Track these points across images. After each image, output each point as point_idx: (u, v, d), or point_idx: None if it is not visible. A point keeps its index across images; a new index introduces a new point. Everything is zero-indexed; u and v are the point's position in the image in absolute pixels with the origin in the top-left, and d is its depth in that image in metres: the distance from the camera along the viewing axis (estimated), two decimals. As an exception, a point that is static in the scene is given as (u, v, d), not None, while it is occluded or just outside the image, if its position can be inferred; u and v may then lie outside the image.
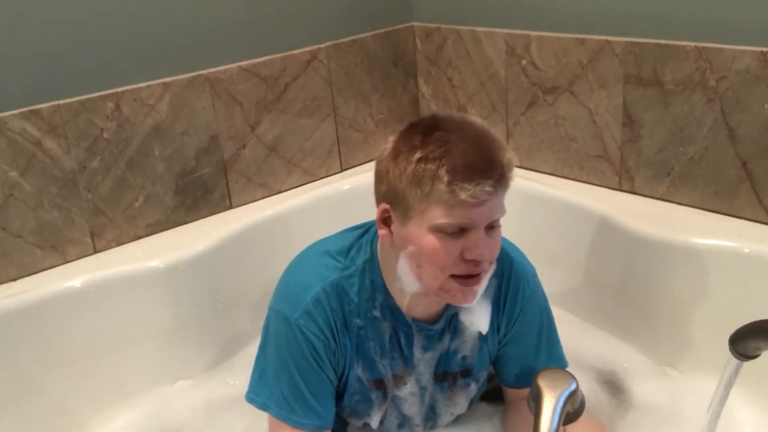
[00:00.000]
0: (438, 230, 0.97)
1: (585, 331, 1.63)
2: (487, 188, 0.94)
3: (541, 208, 1.70)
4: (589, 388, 1.40)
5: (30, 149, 1.41)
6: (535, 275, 1.19)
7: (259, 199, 1.77)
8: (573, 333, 1.62)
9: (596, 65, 1.60)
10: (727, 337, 0.94)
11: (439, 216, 0.96)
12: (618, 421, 1.33)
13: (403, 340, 1.13)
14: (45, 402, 1.38)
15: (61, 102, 1.44)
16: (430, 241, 0.98)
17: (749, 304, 1.29)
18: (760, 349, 0.91)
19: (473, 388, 1.21)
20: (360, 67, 1.90)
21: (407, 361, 1.15)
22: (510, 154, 1.00)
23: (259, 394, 1.14)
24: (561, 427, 0.77)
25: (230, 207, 1.73)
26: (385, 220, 1.04)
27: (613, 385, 1.44)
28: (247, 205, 1.75)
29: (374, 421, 1.19)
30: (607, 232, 1.54)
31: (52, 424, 1.38)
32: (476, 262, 0.98)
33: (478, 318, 1.12)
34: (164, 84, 1.57)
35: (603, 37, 1.58)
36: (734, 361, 0.95)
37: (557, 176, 1.77)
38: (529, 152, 1.82)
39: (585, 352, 1.55)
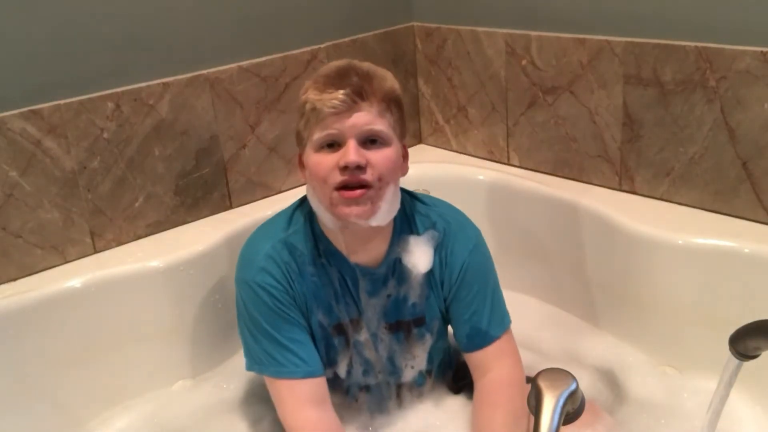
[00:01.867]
0: (317, 147, 1.11)
1: (585, 330, 1.63)
2: (341, 96, 1.07)
3: (541, 208, 1.70)
4: (589, 387, 1.40)
5: (30, 149, 1.41)
6: (478, 234, 1.27)
7: (259, 199, 1.77)
8: (573, 333, 1.63)
9: (596, 65, 1.61)
10: (727, 337, 0.94)
11: (313, 135, 1.10)
12: (617, 421, 1.33)
13: (350, 285, 1.21)
14: (45, 402, 1.38)
15: (61, 102, 1.44)
16: (313, 159, 1.12)
17: (749, 304, 1.29)
18: (760, 349, 0.91)
19: (428, 339, 1.27)
20: (360, 67, 1.89)
21: (358, 306, 1.22)
22: (387, 83, 1.13)
23: (251, 362, 1.21)
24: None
25: (230, 207, 1.73)
26: (301, 164, 1.19)
27: (613, 385, 1.44)
28: (247, 205, 1.75)
29: (342, 370, 1.25)
30: (607, 232, 1.54)
31: (51, 424, 1.38)
32: (350, 170, 1.07)
33: (417, 258, 1.20)
34: (164, 84, 1.57)
35: (603, 37, 1.58)
36: (734, 361, 0.95)
37: (557, 176, 1.77)
38: (529, 152, 1.83)
39: (585, 352, 1.55)
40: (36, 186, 1.43)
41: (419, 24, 2.00)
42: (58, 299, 1.40)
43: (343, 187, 1.09)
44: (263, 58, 1.71)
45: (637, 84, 1.54)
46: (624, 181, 1.64)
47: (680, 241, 1.42)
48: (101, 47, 1.48)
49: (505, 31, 1.77)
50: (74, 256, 1.51)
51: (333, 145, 1.10)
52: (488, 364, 1.24)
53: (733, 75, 1.39)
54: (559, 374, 0.79)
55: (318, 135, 1.10)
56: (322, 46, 1.81)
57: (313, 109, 1.09)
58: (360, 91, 1.09)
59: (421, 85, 2.05)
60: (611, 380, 1.46)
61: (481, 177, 1.84)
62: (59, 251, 1.49)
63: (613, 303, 1.57)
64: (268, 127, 1.75)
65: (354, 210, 1.09)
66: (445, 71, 1.96)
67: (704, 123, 1.46)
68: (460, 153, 2.00)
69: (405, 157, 1.19)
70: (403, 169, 1.19)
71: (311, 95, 1.10)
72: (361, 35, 1.89)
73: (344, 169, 1.08)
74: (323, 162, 1.10)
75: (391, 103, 1.13)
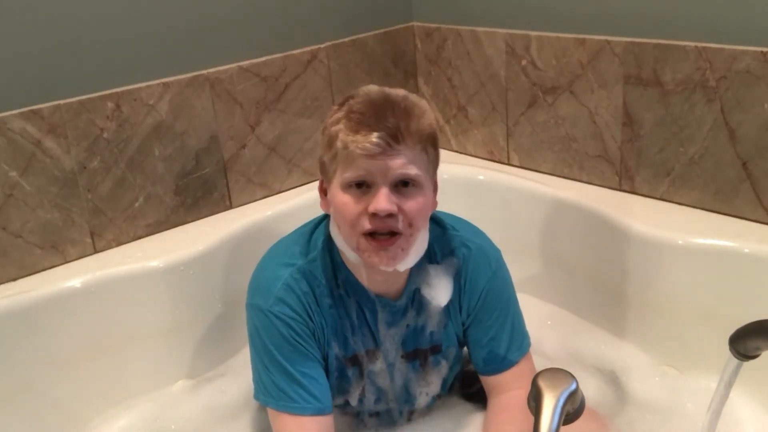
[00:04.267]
0: (346, 186, 1.04)
1: (585, 330, 1.63)
2: (375, 140, 0.99)
3: (541, 208, 1.70)
4: (589, 387, 1.40)
5: (30, 149, 1.41)
6: (498, 258, 1.23)
7: (259, 199, 1.77)
8: (573, 332, 1.63)
9: (596, 65, 1.61)
10: (727, 337, 0.94)
11: (342, 172, 1.03)
12: (618, 421, 1.33)
13: (368, 316, 1.17)
14: (45, 402, 1.38)
15: (61, 102, 1.44)
16: (341, 198, 1.05)
17: (749, 304, 1.29)
18: (760, 349, 0.91)
19: (444, 366, 1.24)
20: (360, 67, 1.90)
21: (375, 337, 1.18)
22: (425, 122, 1.05)
23: (259, 392, 1.16)
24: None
25: (230, 207, 1.73)
26: (323, 192, 1.13)
27: (613, 385, 1.44)
28: (247, 205, 1.75)
29: (353, 399, 1.22)
30: (607, 232, 1.54)
31: (51, 424, 1.38)
32: (380, 218, 1.01)
33: (437, 292, 1.17)
34: (164, 84, 1.57)
35: (603, 37, 1.58)
36: (734, 361, 0.95)
37: (557, 176, 1.77)
38: (529, 152, 1.83)
39: (585, 352, 1.55)
40: (36, 186, 1.43)
41: (419, 24, 2.00)
42: (58, 299, 1.40)
43: (371, 233, 1.03)
44: (263, 58, 1.71)
45: (637, 84, 1.54)
46: (624, 181, 1.64)
47: (680, 241, 1.42)
48: (101, 47, 1.48)
49: (505, 31, 1.77)
50: (74, 256, 1.51)
51: (362, 185, 1.03)
52: (505, 387, 1.21)
53: (733, 75, 1.39)
54: (559, 374, 0.79)
55: (348, 174, 1.02)
56: (322, 46, 1.81)
57: (345, 148, 1.02)
58: (396, 134, 1.01)
59: (421, 85, 2.05)
60: (611, 380, 1.46)
61: (481, 177, 1.84)
62: (59, 251, 1.49)
63: (614, 303, 1.57)
64: (268, 127, 1.75)
65: (383, 259, 1.04)
66: (445, 71, 1.96)
67: (704, 123, 1.46)
68: (460, 153, 2.00)
69: (435, 190, 1.13)
70: (434, 205, 1.13)
71: (342, 133, 1.02)
72: (361, 35, 1.89)
73: (374, 216, 1.02)
74: (351, 204, 1.03)
75: (428, 143, 1.06)
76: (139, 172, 1.57)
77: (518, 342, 1.22)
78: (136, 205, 1.58)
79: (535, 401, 0.77)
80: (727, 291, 1.37)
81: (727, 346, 0.94)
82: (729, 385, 0.98)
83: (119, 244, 1.57)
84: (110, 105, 1.50)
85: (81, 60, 1.46)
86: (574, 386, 0.77)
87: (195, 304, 1.53)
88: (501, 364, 1.21)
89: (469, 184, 1.83)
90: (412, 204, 1.04)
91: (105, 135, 1.51)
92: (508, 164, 1.89)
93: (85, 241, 1.52)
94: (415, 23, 2.00)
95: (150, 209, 1.60)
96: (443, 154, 1.98)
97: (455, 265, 1.18)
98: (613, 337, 1.58)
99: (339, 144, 1.03)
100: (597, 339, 1.59)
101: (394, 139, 1.00)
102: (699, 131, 1.47)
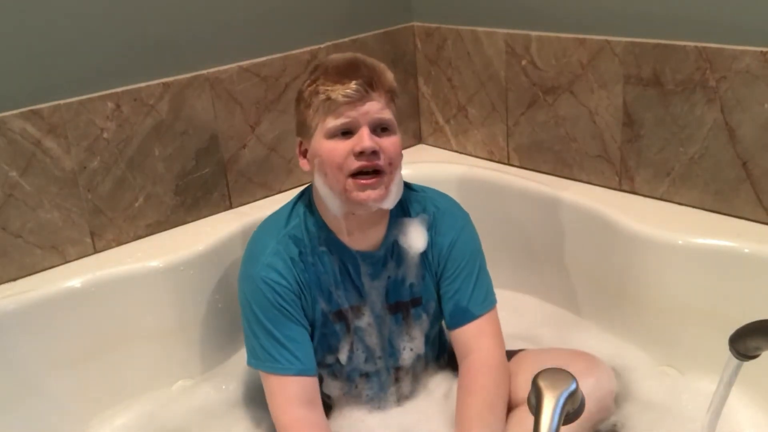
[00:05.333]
0: (330, 135, 1.16)
1: (585, 330, 1.63)
2: (354, 86, 1.13)
3: (541, 208, 1.70)
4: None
5: (30, 149, 1.41)
6: (466, 218, 1.34)
7: (259, 199, 1.78)
8: (573, 332, 1.63)
9: (596, 65, 1.61)
10: (727, 337, 0.94)
11: (326, 122, 1.15)
12: (618, 421, 1.33)
13: (351, 271, 1.26)
14: (45, 402, 1.38)
15: (61, 102, 1.44)
16: (326, 146, 1.16)
17: (749, 304, 1.29)
18: (760, 349, 0.91)
19: (425, 321, 1.31)
20: (360, 67, 1.89)
21: (360, 291, 1.25)
22: (389, 76, 1.20)
23: (249, 357, 1.24)
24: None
25: (230, 207, 1.73)
26: (303, 153, 1.24)
27: (613, 385, 1.45)
28: (247, 205, 1.75)
29: (343, 356, 1.28)
30: (607, 232, 1.54)
31: (51, 424, 1.38)
32: (366, 156, 1.13)
33: (413, 239, 1.27)
34: (164, 84, 1.57)
35: (603, 37, 1.58)
36: (734, 361, 0.95)
37: (557, 176, 1.77)
38: (529, 152, 1.83)
39: (585, 352, 1.55)
40: (36, 186, 1.43)
41: (419, 24, 2.00)
42: (58, 299, 1.40)
43: (357, 173, 1.14)
44: (263, 58, 1.71)
45: (637, 84, 1.54)
46: (624, 181, 1.64)
47: (680, 241, 1.42)
48: (101, 47, 1.48)
49: (505, 31, 1.77)
50: (74, 256, 1.51)
51: (346, 133, 1.15)
52: (468, 344, 1.27)
53: (733, 75, 1.39)
54: (559, 374, 0.79)
55: (332, 123, 1.15)
56: (322, 46, 1.81)
57: (327, 99, 1.14)
58: (371, 82, 1.15)
59: (421, 85, 2.05)
60: (611, 380, 1.46)
61: (481, 177, 1.84)
62: (59, 251, 1.49)
63: (614, 303, 1.57)
64: (268, 127, 1.75)
65: (370, 194, 1.15)
66: (445, 71, 1.96)
67: (704, 123, 1.46)
68: (460, 153, 2.00)
69: None
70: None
71: (323, 87, 1.15)
72: (361, 35, 1.89)
73: (360, 154, 1.13)
74: (337, 148, 1.15)
75: (393, 95, 1.20)
76: (139, 172, 1.57)
77: (481, 296, 1.28)
78: (136, 205, 1.58)
79: (535, 401, 0.77)
80: (727, 291, 1.37)
81: (727, 346, 0.94)
82: (729, 385, 0.98)
83: (119, 244, 1.57)
84: (110, 105, 1.50)
85: (81, 60, 1.46)
86: (574, 386, 0.77)
87: (195, 304, 1.53)
88: (463, 316, 1.27)
89: (469, 184, 1.83)
90: (389, 144, 1.17)
91: (105, 135, 1.51)
92: (508, 164, 1.89)
93: (85, 241, 1.52)
94: (415, 23, 2.00)
95: (150, 209, 1.60)
96: (443, 154, 2.01)
97: (427, 220, 1.29)
98: (612, 337, 1.58)
99: (321, 96, 1.15)
100: (597, 339, 1.59)
101: (369, 86, 1.14)
102: (699, 131, 1.47)
